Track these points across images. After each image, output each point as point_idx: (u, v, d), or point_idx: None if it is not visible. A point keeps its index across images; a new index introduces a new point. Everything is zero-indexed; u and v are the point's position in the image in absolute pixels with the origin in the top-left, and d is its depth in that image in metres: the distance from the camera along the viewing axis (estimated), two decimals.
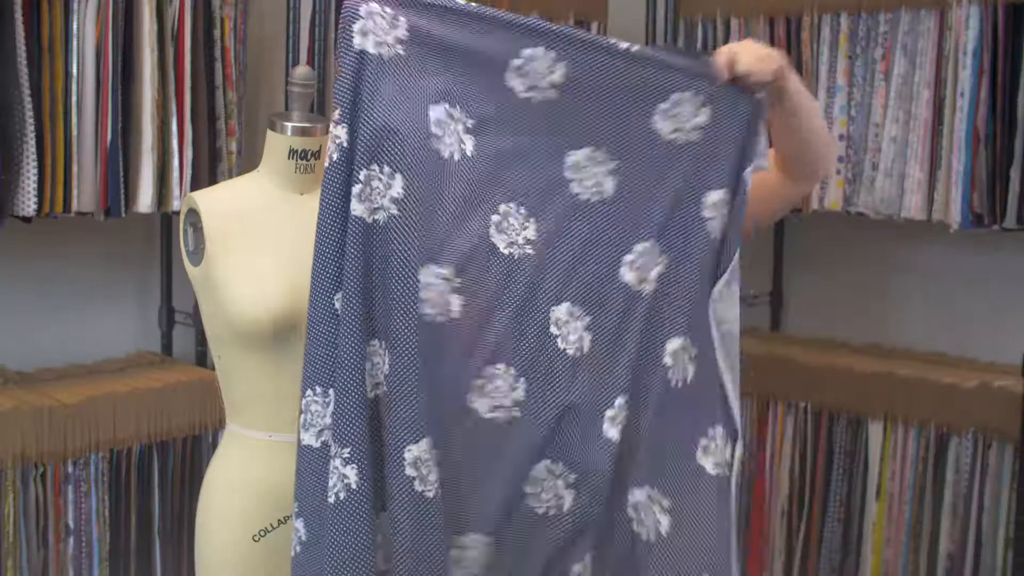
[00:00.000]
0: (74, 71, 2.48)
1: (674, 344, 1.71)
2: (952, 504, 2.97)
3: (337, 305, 1.61)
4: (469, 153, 1.64)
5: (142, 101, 2.57)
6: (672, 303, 1.71)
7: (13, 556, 2.42)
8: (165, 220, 2.96)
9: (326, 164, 1.62)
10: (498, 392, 1.64)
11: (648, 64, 1.68)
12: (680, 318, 1.71)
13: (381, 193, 1.58)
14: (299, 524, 1.67)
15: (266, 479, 1.94)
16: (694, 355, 1.71)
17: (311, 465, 1.66)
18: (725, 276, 1.72)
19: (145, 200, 2.58)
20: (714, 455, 1.72)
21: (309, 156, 1.98)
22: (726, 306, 1.74)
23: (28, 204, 2.43)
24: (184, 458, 2.65)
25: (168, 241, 2.97)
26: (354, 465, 1.60)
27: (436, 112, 1.62)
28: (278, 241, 1.95)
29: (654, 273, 1.70)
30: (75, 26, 2.47)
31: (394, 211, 1.57)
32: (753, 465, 3.31)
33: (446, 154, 1.62)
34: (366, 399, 1.62)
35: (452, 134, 1.63)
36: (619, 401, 1.68)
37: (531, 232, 1.67)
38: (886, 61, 3.04)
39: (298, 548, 1.67)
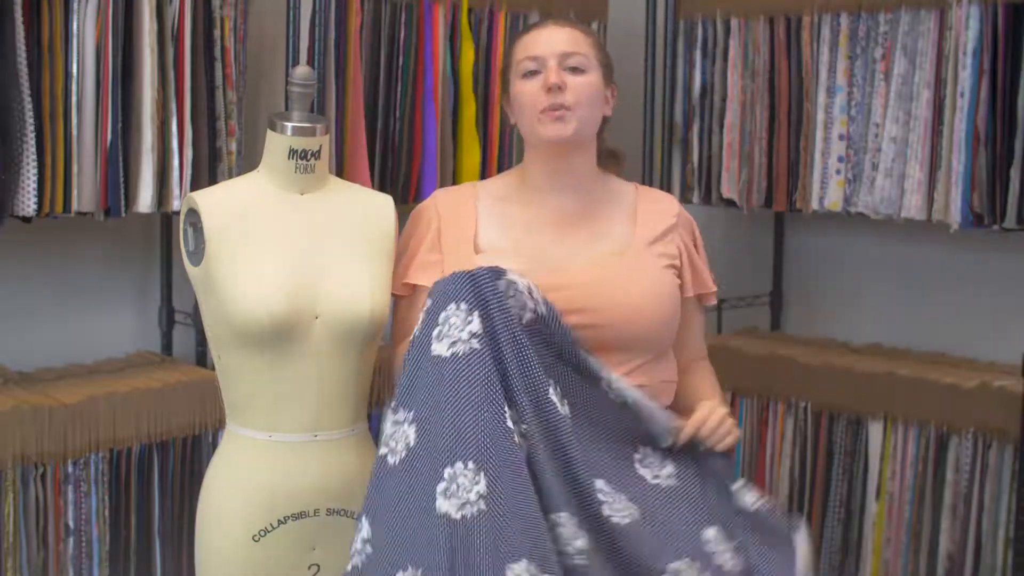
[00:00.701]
0: (74, 71, 2.48)
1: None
2: (952, 504, 2.96)
3: None
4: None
5: (142, 101, 2.57)
6: None
7: (13, 556, 2.42)
8: (165, 220, 2.96)
9: (391, 459, 1.71)
10: None
11: (627, 410, 1.81)
12: None
13: (467, 489, 1.63)
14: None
15: (266, 479, 1.94)
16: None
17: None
18: None
19: (145, 200, 2.58)
20: None
21: (309, 156, 1.98)
22: None
23: (28, 204, 2.43)
24: (184, 458, 2.65)
25: (168, 241, 2.97)
26: None
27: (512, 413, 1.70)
28: (278, 241, 1.95)
29: None
30: (75, 26, 2.47)
31: (482, 506, 1.63)
32: (753, 465, 3.31)
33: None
34: None
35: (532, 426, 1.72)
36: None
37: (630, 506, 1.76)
38: (886, 61, 3.04)
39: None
